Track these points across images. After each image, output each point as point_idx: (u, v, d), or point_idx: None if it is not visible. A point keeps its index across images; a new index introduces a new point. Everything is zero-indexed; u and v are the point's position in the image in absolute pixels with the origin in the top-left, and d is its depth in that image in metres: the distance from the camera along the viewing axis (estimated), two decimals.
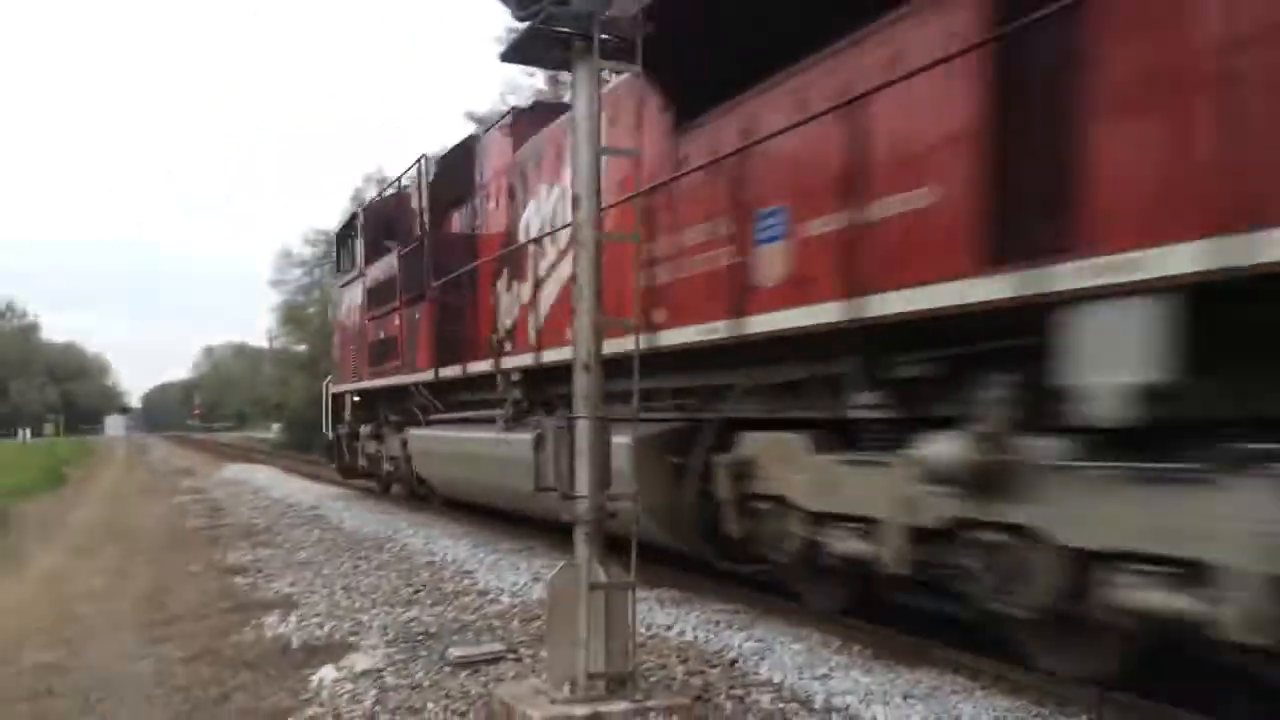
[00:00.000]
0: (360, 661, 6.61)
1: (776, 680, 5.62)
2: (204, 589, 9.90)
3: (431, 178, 14.43)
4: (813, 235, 6.08)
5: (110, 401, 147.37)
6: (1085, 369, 4.29)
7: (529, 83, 38.17)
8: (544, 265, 10.21)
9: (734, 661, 6.06)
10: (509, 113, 12.81)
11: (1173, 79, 4.04)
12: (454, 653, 6.42)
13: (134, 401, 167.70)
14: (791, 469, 6.61)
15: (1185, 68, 3.99)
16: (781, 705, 5.13)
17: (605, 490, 4.76)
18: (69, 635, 8.23)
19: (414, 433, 14.43)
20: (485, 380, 11.74)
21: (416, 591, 8.98)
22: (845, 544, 6.14)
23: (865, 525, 5.93)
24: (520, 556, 10.49)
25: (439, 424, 13.75)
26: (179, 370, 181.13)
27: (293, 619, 8.11)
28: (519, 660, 6.30)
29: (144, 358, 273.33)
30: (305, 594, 9.17)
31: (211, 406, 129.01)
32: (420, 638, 7.13)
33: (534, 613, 7.67)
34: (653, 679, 5.36)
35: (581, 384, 4.71)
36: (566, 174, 9.36)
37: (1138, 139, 4.16)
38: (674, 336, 7.51)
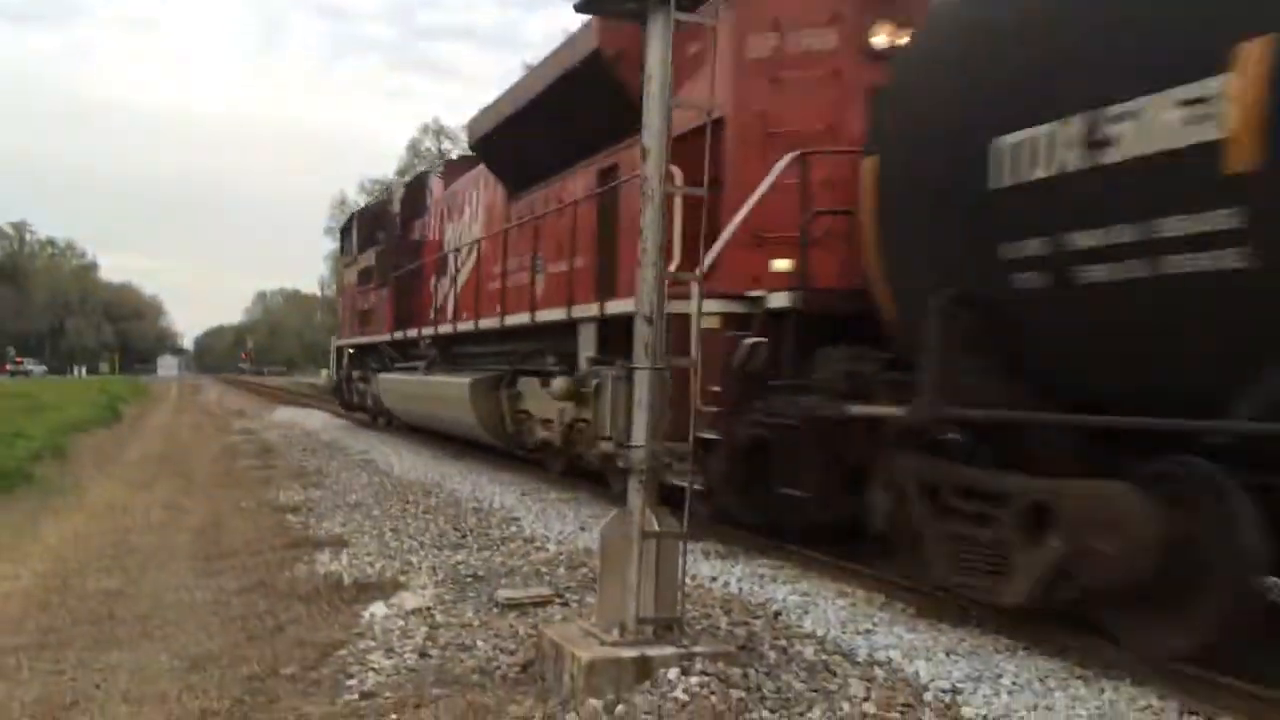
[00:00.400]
0: (410, 600, 6.75)
1: (820, 634, 5.67)
2: (258, 525, 10.13)
3: (401, 196, 20.82)
4: (548, 273, 11.85)
5: (163, 343, 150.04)
6: (582, 350, 10.37)
7: None
8: (451, 270, 15.90)
9: (777, 614, 6.12)
10: (443, 163, 20.52)
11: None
12: (503, 595, 6.54)
13: (186, 344, 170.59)
14: (532, 396, 12.18)
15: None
16: (825, 657, 5.18)
17: (662, 440, 4.81)
18: (128, 564, 8.48)
19: (381, 376, 20.05)
20: (420, 343, 17.82)
21: (464, 536, 9.12)
22: (544, 434, 11.91)
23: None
24: (567, 506, 10.62)
25: (395, 371, 19.21)
26: (231, 314, 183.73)
27: (344, 557, 8.29)
28: (566, 605, 6.41)
29: (197, 301, 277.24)
30: (355, 534, 9.36)
31: (262, 351, 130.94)
32: (468, 579, 7.26)
33: (580, 560, 7.78)
34: (698, 628, 5.44)
35: (643, 334, 4.73)
36: (466, 211, 15.91)
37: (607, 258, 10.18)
38: (489, 323, 13.72)
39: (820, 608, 6.24)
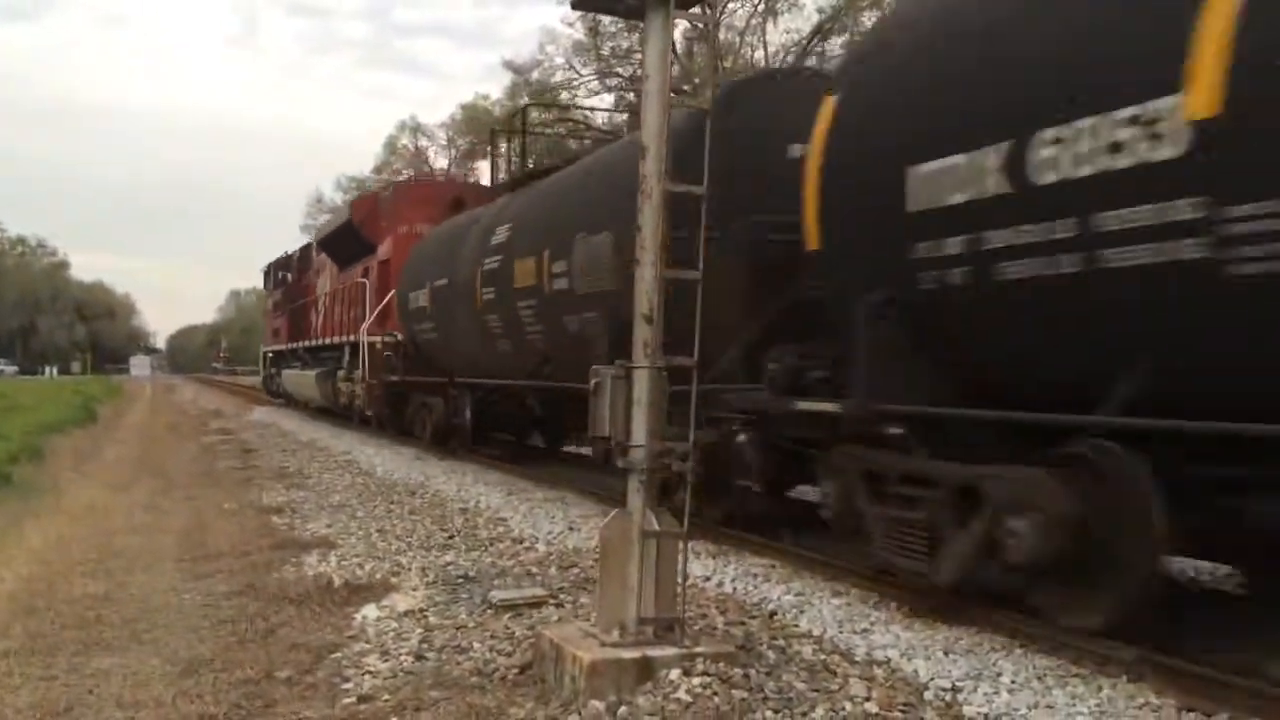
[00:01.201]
0: (402, 602, 6.72)
1: (817, 633, 5.67)
2: (242, 526, 10.04)
3: (298, 256, 31.22)
4: (346, 317, 21.70)
5: (136, 342, 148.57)
6: (345, 358, 21.14)
7: (567, 32, 38.13)
8: (318, 307, 25.34)
9: (773, 614, 6.12)
10: (314, 241, 28.53)
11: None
12: (497, 596, 6.51)
13: (159, 343, 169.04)
14: (340, 382, 21.36)
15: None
16: (823, 657, 5.18)
17: (661, 439, 4.79)
18: (113, 567, 8.36)
19: (284, 371, 30.53)
20: (299, 350, 28.18)
21: (451, 537, 9.09)
22: (343, 401, 21.49)
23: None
24: (554, 505, 10.58)
25: (289, 368, 29.36)
26: (205, 313, 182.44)
27: (332, 559, 8.24)
28: (560, 605, 6.38)
29: (170, 300, 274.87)
30: (342, 535, 9.30)
31: (235, 350, 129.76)
32: (460, 581, 7.23)
33: (571, 560, 7.77)
34: (695, 628, 5.43)
35: (643, 334, 4.71)
36: (326, 273, 25.27)
37: (360, 312, 20.55)
38: (328, 340, 23.27)
39: (815, 607, 6.24)
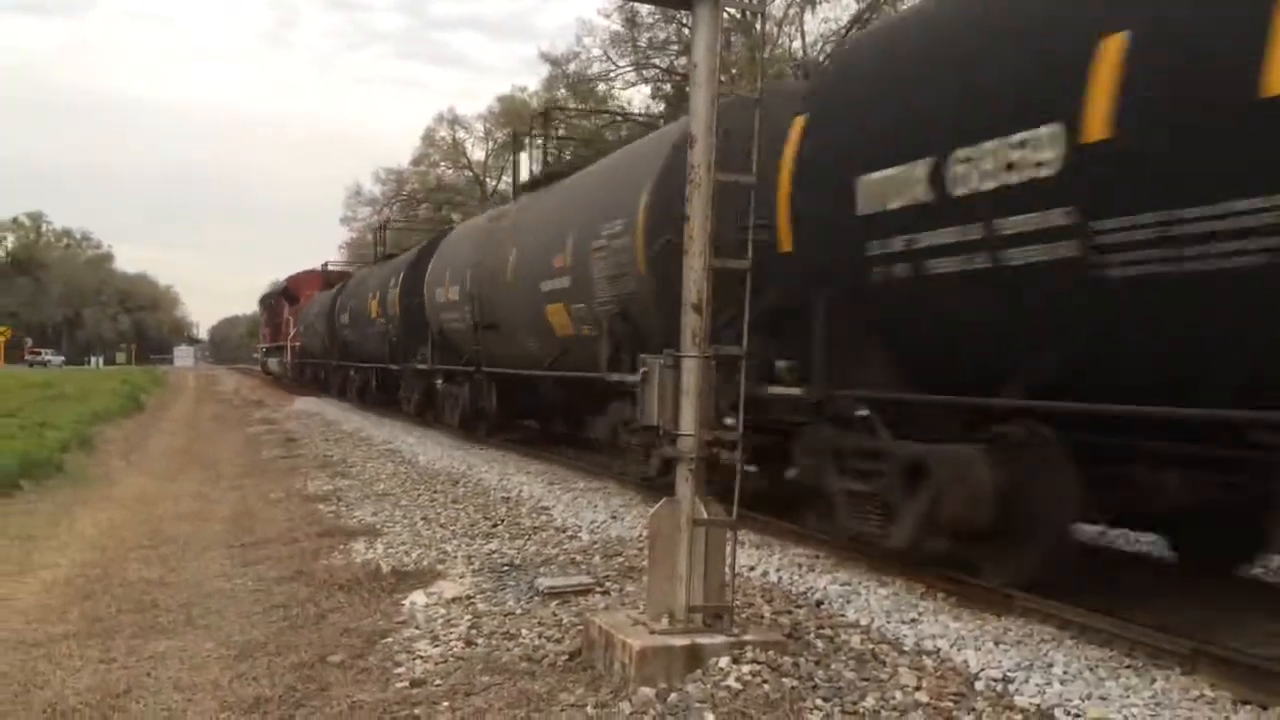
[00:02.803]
0: (450, 589, 6.78)
1: (864, 623, 5.66)
2: (289, 514, 10.18)
3: (276, 293, 52.08)
4: (290, 330, 44.64)
5: (179, 333, 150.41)
6: (284, 353, 49.92)
7: (604, 24, 38.22)
8: (284, 326, 46.82)
9: (820, 603, 6.12)
10: (277, 288, 54.44)
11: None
12: (544, 583, 6.55)
13: (201, 334, 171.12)
14: (285, 361, 48.08)
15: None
16: (872, 646, 5.17)
17: (710, 428, 4.81)
18: (165, 553, 8.51)
19: (268, 359, 56.47)
20: (272, 348, 54.53)
21: (495, 525, 9.15)
22: (287, 370, 47.86)
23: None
24: (597, 495, 10.62)
25: (269, 357, 55.43)
26: (247, 304, 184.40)
27: (379, 546, 8.33)
28: (606, 594, 6.42)
29: (212, 291, 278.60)
30: (387, 523, 9.40)
31: None
32: (505, 569, 7.29)
33: (615, 549, 7.80)
34: (743, 616, 5.44)
35: (691, 323, 4.72)
36: (284, 308, 47.61)
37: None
38: (281, 342, 48.39)
39: (862, 597, 6.24)
